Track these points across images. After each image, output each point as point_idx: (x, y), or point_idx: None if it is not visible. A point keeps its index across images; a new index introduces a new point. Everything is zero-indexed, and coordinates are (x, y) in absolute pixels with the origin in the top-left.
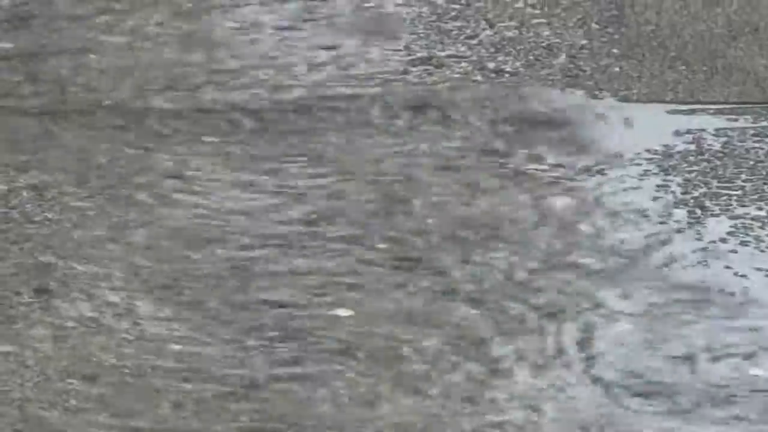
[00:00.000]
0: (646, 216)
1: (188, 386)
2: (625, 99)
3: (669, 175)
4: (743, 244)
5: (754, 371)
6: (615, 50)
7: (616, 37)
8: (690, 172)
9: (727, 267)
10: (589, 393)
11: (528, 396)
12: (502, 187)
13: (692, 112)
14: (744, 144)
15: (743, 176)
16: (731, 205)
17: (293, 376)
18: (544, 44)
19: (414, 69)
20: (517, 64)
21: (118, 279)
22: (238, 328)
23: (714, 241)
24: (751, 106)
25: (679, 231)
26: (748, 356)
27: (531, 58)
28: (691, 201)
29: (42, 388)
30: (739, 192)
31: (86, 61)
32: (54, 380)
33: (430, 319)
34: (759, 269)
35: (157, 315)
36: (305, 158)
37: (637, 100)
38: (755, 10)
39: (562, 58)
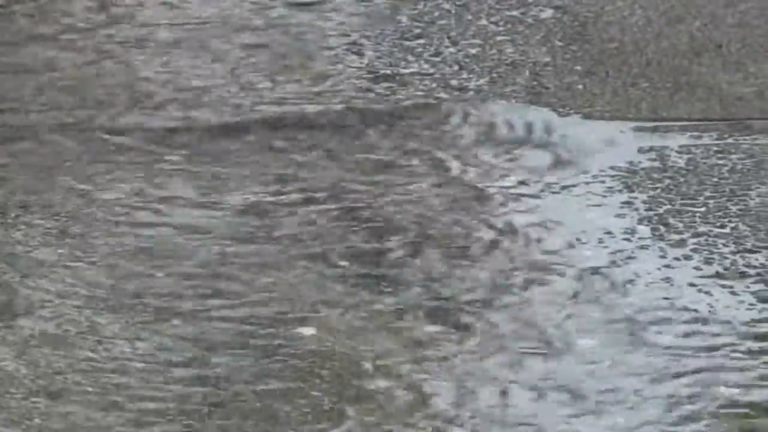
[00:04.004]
0: (610, 233)
1: (152, 405)
2: (589, 116)
3: (633, 192)
4: (707, 261)
5: (721, 390)
6: (578, 67)
7: (580, 54)
8: (654, 189)
9: (691, 284)
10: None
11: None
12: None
13: (656, 129)
14: (708, 161)
15: (707, 193)
16: (695, 222)
17: (257, 393)
18: (507, 61)
19: (377, 87)
20: (481, 81)
21: (81, 297)
22: (202, 345)
23: (678, 258)
24: (714, 123)
25: (642, 248)
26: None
27: (494, 75)
28: (655, 218)
29: (6, 406)
30: (703, 209)
31: (49, 80)
32: (18, 398)
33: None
34: (723, 286)
35: (121, 333)
36: (271, 176)
37: (601, 117)
38: (718, 28)
39: (526, 75)
